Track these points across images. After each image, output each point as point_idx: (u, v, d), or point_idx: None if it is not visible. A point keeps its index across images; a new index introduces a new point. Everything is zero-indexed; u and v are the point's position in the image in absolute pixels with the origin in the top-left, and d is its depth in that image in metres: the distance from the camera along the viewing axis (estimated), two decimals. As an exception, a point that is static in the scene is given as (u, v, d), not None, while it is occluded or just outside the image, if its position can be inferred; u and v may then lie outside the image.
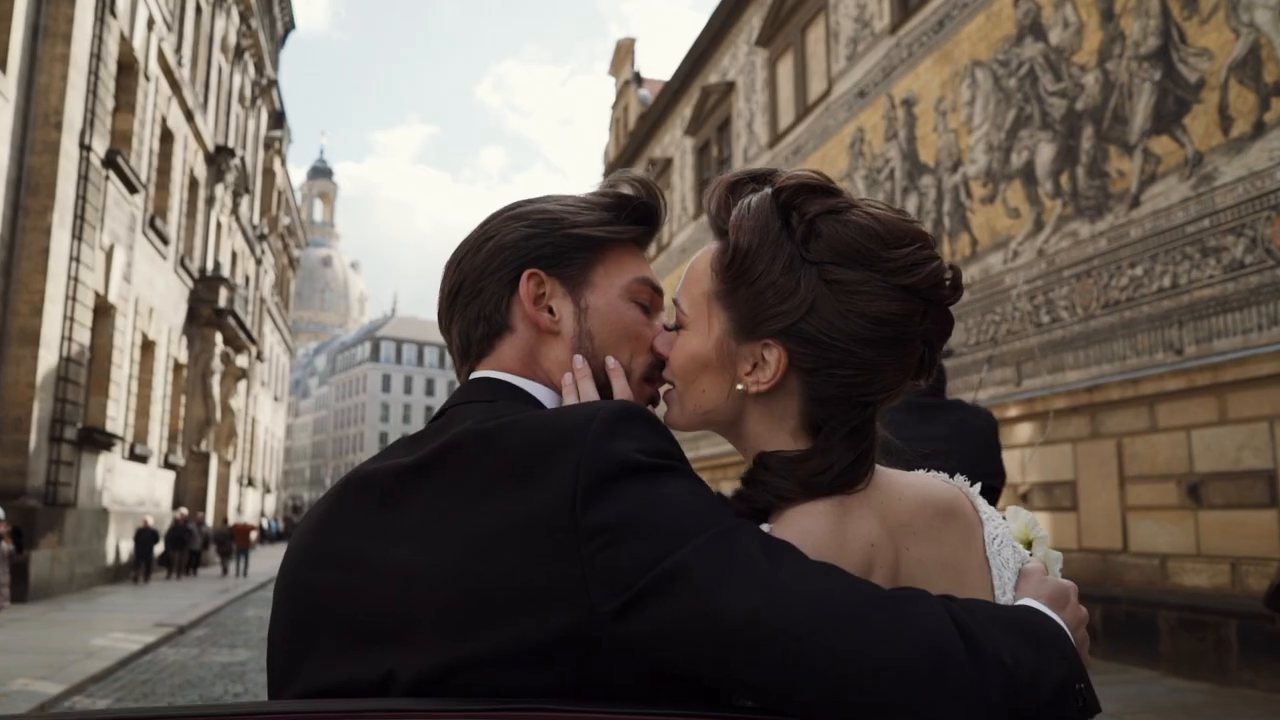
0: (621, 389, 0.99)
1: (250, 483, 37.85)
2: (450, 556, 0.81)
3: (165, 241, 22.82)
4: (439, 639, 0.79)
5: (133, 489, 21.16)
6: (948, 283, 0.91)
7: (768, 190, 0.94)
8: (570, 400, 0.97)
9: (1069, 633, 0.83)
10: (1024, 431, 10.76)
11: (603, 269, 1.02)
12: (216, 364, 27.23)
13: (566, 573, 0.77)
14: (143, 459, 21.73)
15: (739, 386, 0.93)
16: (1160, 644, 8.62)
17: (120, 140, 19.35)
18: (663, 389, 1.03)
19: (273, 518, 46.90)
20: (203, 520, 20.97)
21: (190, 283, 26.08)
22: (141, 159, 20.46)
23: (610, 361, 1.00)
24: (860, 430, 0.92)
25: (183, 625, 12.80)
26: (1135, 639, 8.87)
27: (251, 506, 39.23)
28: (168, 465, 24.22)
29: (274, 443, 49.88)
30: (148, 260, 21.62)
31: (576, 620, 0.76)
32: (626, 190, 1.04)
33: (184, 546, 18.91)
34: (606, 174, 31.36)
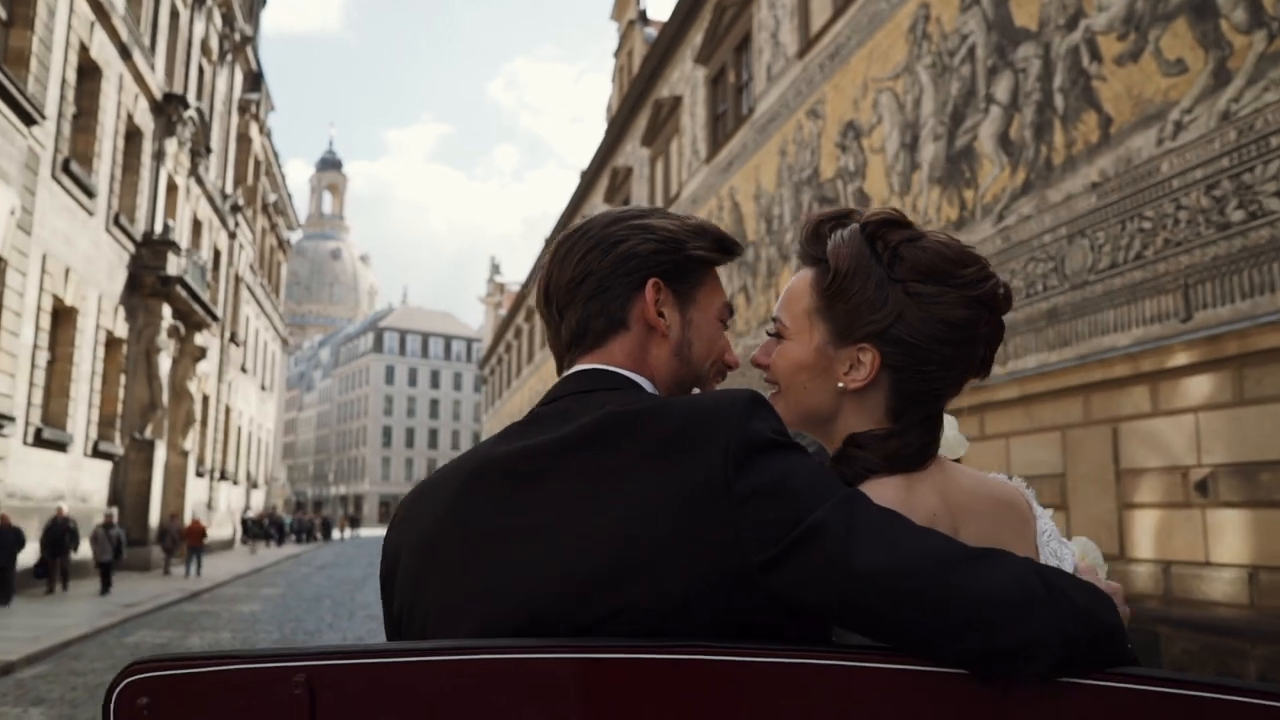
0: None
1: (223, 476, 34.57)
2: (611, 519, 0.92)
3: (90, 194, 19.45)
4: (605, 589, 0.91)
5: (44, 481, 17.79)
6: (1002, 295, 1.10)
7: (856, 225, 1.12)
8: None
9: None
10: (1199, 389, 7.20)
11: (704, 290, 1.16)
12: (164, 340, 23.88)
13: (722, 531, 0.89)
14: (59, 446, 18.41)
15: (839, 385, 1.10)
16: None
17: (13, 59, 16.02)
18: (770, 392, 1.16)
19: (258, 516, 43.57)
20: (112, 522, 17.44)
21: (131, 246, 22.76)
22: (47, 88, 17.11)
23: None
24: (933, 419, 1.11)
25: (12, 662, 9.42)
26: None
27: (227, 502, 35.98)
28: (98, 454, 20.93)
29: (262, 435, 46.63)
30: (61, 212, 18.24)
31: (731, 568, 0.89)
32: (717, 230, 1.18)
33: (65, 552, 15.41)
34: (609, 129, 27.91)
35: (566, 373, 1.12)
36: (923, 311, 1.06)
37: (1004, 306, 1.11)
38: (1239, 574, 6.83)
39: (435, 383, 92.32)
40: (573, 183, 33.21)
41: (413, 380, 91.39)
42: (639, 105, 24.48)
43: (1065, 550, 1.11)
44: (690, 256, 1.13)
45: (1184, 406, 7.27)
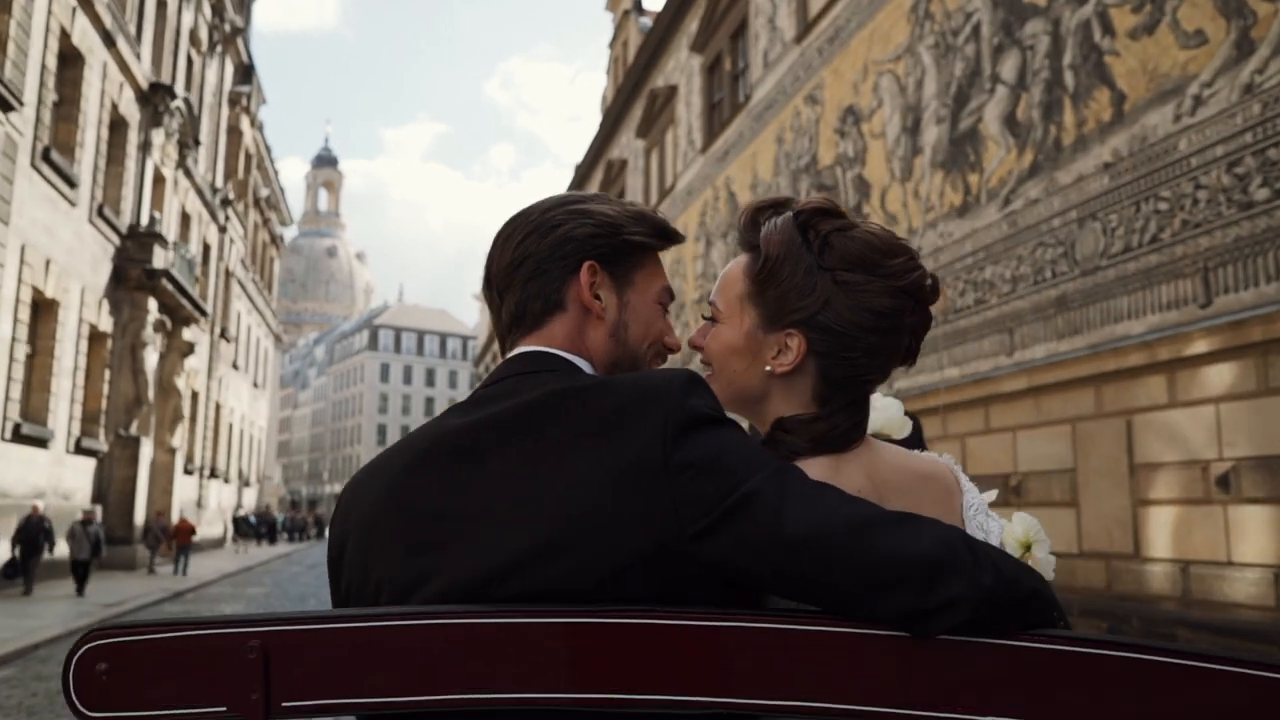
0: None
1: (214, 474, 34.11)
2: (553, 496, 0.94)
3: (72, 184, 19.00)
4: (546, 563, 0.93)
5: (24, 478, 17.36)
6: (929, 286, 1.12)
7: (789, 213, 1.15)
8: None
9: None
10: (1220, 378, 6.81)
11: (642, 273, 1.17)
12: (150, 334, 23.43)
13: (659, 504, 0.92)
14: (40, 442, 17.98)
15: (767, 368, 1.12)
16: None
17: (-15, 41, 15.59)
18: (705, 373, 1.14)
19: (252, 513, 43.12)
20: (91, 518, 16.97)
21: (115, 238, 22.30)
22: (25, 74, 16.67)
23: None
24: (858, 403, 1.13)
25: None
26: None
27: (218, 500, 35.53)
28: (81, 450, 20.49)
29: (254, 432, 46.19)
30: (41, 202, 17.80)
31: (668, 540, 0.91)
32: (658, 218, 1.20)
33: (40, 551, 14.93)
34: (604, 121, 27.49)
35: (509, 355, 1.14)
36: (849, 300, 1.08)
37: (930, 297, 1.13)
38: (1263, 574, 6.44)
39: (430, 380, 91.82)
40: (569, 181, 32.70)
41: (408, 378, 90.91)
42: (634, 96, 24.08)
43: (993, 524, 1.14)
44: (627, 241, 1.15)
45: (1204, 397, 6.88)
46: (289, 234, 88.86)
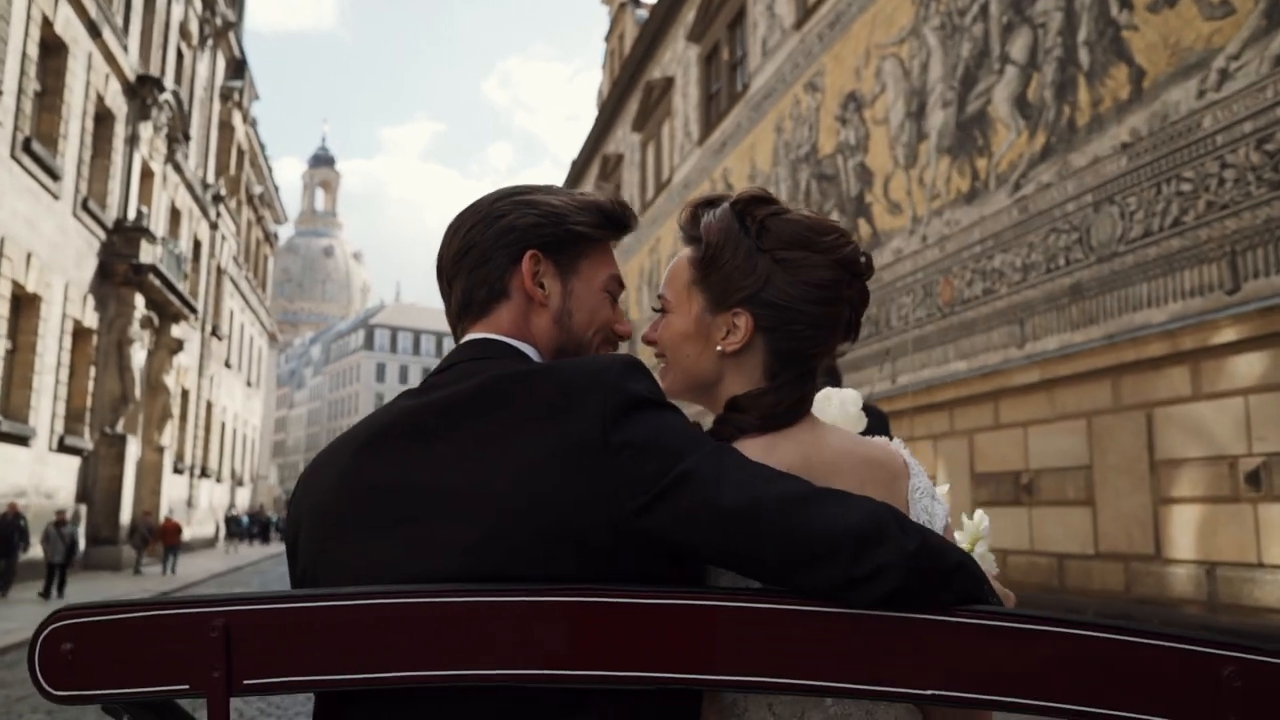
0: None
1: (204, 473, 33.66)
2: (501, 479, 0.97)
3: (55, 176, 18.56)
4: (495, 546, 0.96)
5: (4, 476, 16.93)
6: (863, 261, 1.17)
7: (726, 204, 1.20)
8: None
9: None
10: (1249, 368, 6.41)
11: (588, 262, 1.20)
12: (136, 330, 22.98)
13: (600, 482, 0.95)
14: (20, 439, 17.54)
15: (718, 349, 1.16)
16: None
17: (-35, 30, 15.16)
18: (659, 366, 1.23)
19: (245, 513, 42.69)
20: (65, 519, 16.47)
21: (101, 233, 21.86)
22: (5, 63, 16.25)
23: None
24: (805, 376, 1.16)
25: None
26: None
27: (209, 500, 35.08)
28: (65, 449, 20.05)
29: (248, 432, 45.77)
30: (23, 194, 17.37)
31: (609, 518, 0.95)
32: (608, 205, 1.22)
33: (14, 551, 14.46)
34: (599, 115, 27.09)
35: (460, 341, 1.17)
36: (790, 275, 1.13)
37: (865, 272, 1.18)
38: (1297, 577, 6.04)
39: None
40: (565, 179, 32.35)
41: (404, 378, 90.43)
42: (630, 89, 23.68)
43: (938, 508, 1.16)
44: (571, 230, 1.18)
45: (1231, 389, 6.48)
46: (285, 233, 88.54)
